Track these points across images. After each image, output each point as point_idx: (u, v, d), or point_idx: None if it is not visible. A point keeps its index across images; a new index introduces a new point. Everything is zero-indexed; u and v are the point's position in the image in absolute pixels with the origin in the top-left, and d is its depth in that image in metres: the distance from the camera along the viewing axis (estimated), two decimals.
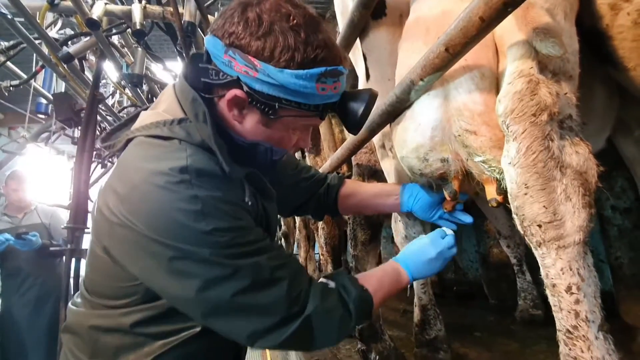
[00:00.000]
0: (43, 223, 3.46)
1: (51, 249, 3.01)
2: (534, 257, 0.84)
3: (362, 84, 1.49)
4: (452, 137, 0.98)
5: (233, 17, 0.75)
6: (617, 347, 0.78)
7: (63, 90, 3.92)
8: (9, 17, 2.38)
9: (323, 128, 2.57)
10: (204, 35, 2.37)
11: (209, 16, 2.58)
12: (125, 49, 3.31)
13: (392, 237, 1.80)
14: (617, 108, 1.41)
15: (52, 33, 3.04)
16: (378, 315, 1.78)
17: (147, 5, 2.47)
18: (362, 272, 1.21)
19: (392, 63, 1.22)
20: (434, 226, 1.18)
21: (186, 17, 2.41)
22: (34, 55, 3.37)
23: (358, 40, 1.40)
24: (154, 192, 0.71)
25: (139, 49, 3.00)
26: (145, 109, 0.90)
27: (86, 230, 2.68)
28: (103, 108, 4.15)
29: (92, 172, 3.08)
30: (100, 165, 4.48)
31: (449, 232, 1.07)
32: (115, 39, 3.06)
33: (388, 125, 1.22)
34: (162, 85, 3.88)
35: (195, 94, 0.80)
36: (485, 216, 2.48)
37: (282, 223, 4.56)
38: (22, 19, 2.38)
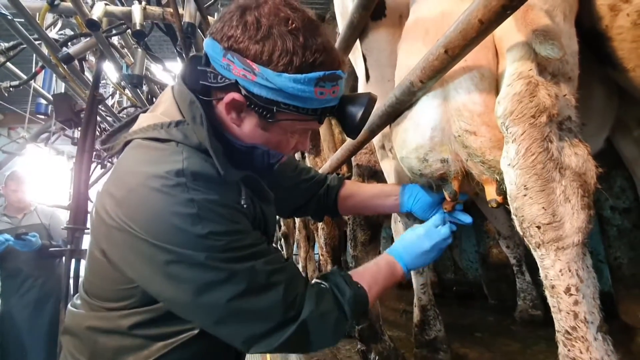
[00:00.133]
0: (43, 224, 3.46)
1: (51, 249, 3.01)
2: (534, 257, 0.84)
3: (362, 85, 1.49)
4: (452, 138, 0.98)
5: (232, 20, 0.75)
6: (616, 348, 0.78)
7: (63, 91, 3.92)
8: (9, 17, 2.38)
9: (323, 129, 2.57)
10: (204, 37, 2.37)
11: (209, 17, 2.59)
12: (125, 50, 3.32)
13: (392, 238, 1.81)
14: (616, 108, 1.42)
15: (52, 34, 3.05)
16: (378, 315, 1.78)
17: (147, 6, 2.47)
18: None
19: (392, 64, 1.22)
20: None
21: (186, 18, 2.41)
22: (34, 55, 3.38)
23: (358, 41, 1.40)
24: (151, 196, 0.71)
25: (139, 49, 3.00)
26: (144, 111, 0.90)
27: (86, 230, 2.68)
28: (103, 109, 4.15)
29: (92, 173, 3.08)
30: (100, 166, 4.48)
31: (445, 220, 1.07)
32: (115, 39, 3.06)
33: (388, 126, 1.22)
34: (162, 86, 3.89)
35: (193, 96, 0.80)
36: (485, 216, 2.48)
37: (282, 223, 4.56)
38: (22, 20, 2.38)
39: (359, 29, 1.33)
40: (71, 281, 2.60)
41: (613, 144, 1.61)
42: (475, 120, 0.93)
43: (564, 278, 0.78)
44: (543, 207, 0.79)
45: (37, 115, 4.71)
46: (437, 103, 1.00)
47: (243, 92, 0.75)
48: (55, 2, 2.45)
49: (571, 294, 0.77)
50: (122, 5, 2.62)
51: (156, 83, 3.88)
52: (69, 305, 0.91)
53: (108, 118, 4.65)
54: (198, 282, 0.71)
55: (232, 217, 0.76)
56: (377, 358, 1.72)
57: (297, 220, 3.85)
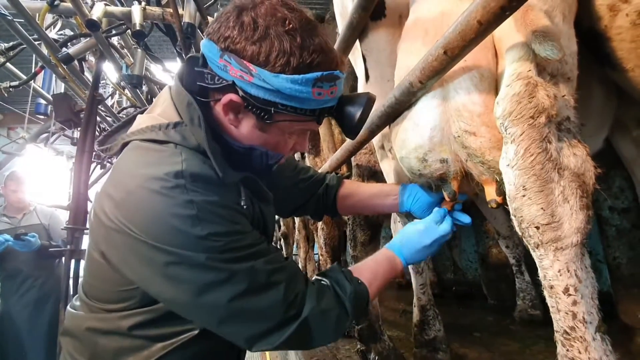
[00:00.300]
0: (42, 224, 3.46)
1: (50, 249, 3.01)
2: (533, 257, 0.84)
3: (361, 85, 1.49)
4: (452, 138, 0.98)
5: (228, 21, 0.75)
6: (615, 348, 0.78)
7: (62, 91, 3.92)
8: (9, 18, 2.38)
9: (322, 129, 2.57)
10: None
11: (209, 17, 2.59)
12: (125, 50, 3.31)
13: (392, 238, 1.80)
14: (615, 109, 1.42)
15: (52, 34, 3.05)
16: (377, 315, 1.79)
17: (147, 7, 2.47)
18: None
19: (392, 64, 1.22)
20: None
21: (186, 19, 2.41)
22: (34, 56, 3.38)
23: (358, 41, 1.40)
24: (150, 198, 0.71)
25: (139, 50, 3.00)
26: (142, 112, 0.90)
27: (86, 231, 2.68)
28: (102, 109, 4.15)
29: (92, 173, 3.08)
30: (99, 166, 4.48)
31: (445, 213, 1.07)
32: (114, 40, 3.06)
33: (387, 126, 1.22)
34: (162, 86, 3.88)
35: (191, 97, 0.80)
36: (484, 216, 2.48)
37: (282, 224, 4.56)
38: (22, 20, 2.39)
39: (358, 30, 1.33)
40: (71, 281, 2.60)
41: (612, 144, 1.61)
42: (474, 121, 0.93)
43: (562, 278, 0.78)
44: (542, 208, 0.79)
45: (37, 116, 4.71)
46: (436, 103, 1.00)
47: (240, 93, 0.75)
48: (55, 3, 2.45)
49: (570, 294, 0.77)
50: (122, 5, 2.62)
51: (156, 83, 3.88)
52: (68, 307, 0.91)
53: (108, 118, 4.65)
54: (199, 283, 0.71)
55: (232, 217, 0.76)
56: (376, 358, 1.72)
57: (297, 220, 3.85)
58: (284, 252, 4.60)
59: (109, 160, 4.48)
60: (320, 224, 2.64)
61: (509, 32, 0.87)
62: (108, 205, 0.75)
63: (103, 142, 0.93)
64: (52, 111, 3.88)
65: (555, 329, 0.81)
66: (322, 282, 0.87)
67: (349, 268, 0.94)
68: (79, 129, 3.10)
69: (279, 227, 4.59)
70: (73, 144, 4.78)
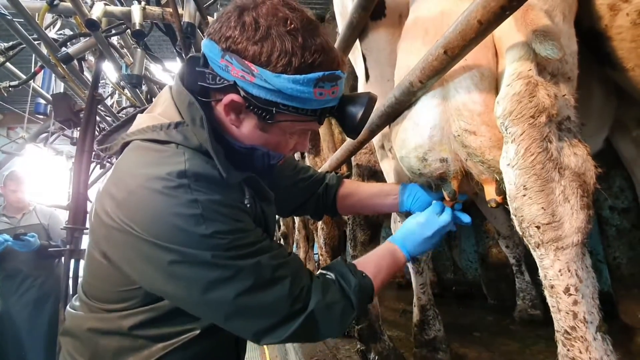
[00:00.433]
0: (41, 224, 3.46)
1: (50, 249, 3.01)
2: (533, 257, 0.84)
3: (361, 84, 1.49)
4: (452, 137, 0.98)
5: (230, 21, 0.74)
6: (615, 348, 0.78)
7: (62, 91, 3.92)
8: (9, 17, 2.37)
9: (323, 129, 2.57)
10: (203, 37, 2.37)
11: (209, 17, 2.59)
12: (125, 50, 3.31)
13: None
14: (615, 108, 1.42)
15: (52, 34, 3.04)
16: (377, 315, 1.78)
17: (147, 6, 2.47)
18: None
19: (392, 64, 1.22)
20: None
21: (185, 18, 2.41)
22: (33, 55, 3.37)
23: (358, 40, 1.40)
24: (152, 197, 0.71)
25: (138, 49, 3.00)
26: (142, 111, 0.90)
27: (85, 230, 2.68)
28: (102, 108, 4.15)
29: (91, 173, 3.08)
30: (99, 166, 4.48)
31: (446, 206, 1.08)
32: (114, 39, 3.05)
33: (387, 126, 1.22)
34: (161, 86, 3.88)
35: (192, 97, 0.80)
36: (484, 216, 2.48)
37: (282, 223, 4.56)
38: (22, 20, 2.38)
39: (358, 30, 1.33)
40: (70, 281, 2.60)
41: (612, 144, 1.61)
42: (475, 120, 0.93)
43: (563, 278, 0.78)
44: (542, 207, 0.79)
45: (36, 115, 4.71)
46: (436, 102, 1.00)
47: (242, 93, 0.75)
48: (55, 2, 2.44)
49: (570, 294, 0.77)
50: (122, 5, 2.61)
51: (155, 83, 3.88)
52: (67, 307, 0.91)
53: (107, 118, 4.64)
54: (205, 281, 0.71)
55: (235, 215, 0.76)
56: (376, 358, 1.72)
57: (297, 220, 3.85)
58: None
59: (109, 160, 4.48)
60: (320, 224, 2.64)
61: (509, 32, 0.87)
62: (109, 204, 0.74)
63: (102, 142, 0.92)
64: (52, 111, 3.88)
65: (555, 328, 0.81)
66: (327, 275, 0.88)
67: (354, 261, 0.94)
68: (78, 128, 3.09)
69: (279, 227, 4.59)
70: (72, 144, 4.78)
